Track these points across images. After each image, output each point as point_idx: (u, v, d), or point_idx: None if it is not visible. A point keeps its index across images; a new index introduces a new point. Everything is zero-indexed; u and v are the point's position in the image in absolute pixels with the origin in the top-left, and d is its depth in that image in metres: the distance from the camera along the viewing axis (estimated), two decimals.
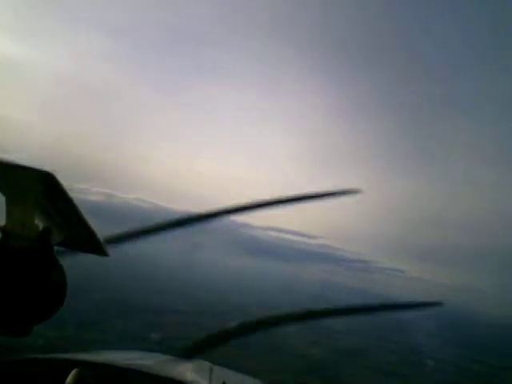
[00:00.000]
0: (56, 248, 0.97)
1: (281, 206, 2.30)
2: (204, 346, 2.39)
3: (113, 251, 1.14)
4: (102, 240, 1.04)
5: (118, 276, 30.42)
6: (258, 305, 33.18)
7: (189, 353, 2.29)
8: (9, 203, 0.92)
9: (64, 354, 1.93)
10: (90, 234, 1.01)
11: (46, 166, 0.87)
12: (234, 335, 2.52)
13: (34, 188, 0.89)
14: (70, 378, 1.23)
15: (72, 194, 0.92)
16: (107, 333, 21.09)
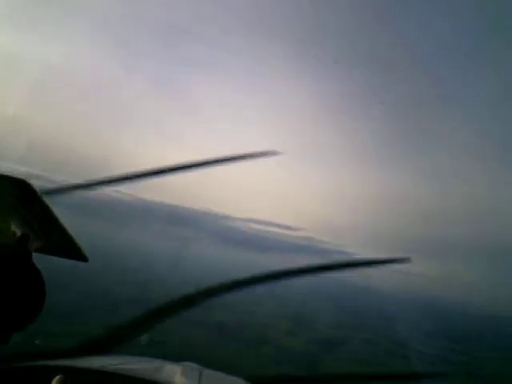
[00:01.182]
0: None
1: (207, 167, 2.22)
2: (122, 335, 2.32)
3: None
4: (79, 245, 1.05)
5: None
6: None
7: (105, 344, 2.23)
8: None
9: (48, 360, 1.90)
10: (68, 239, 1.02)
11: (19, 174, 0.88)
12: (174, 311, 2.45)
13: (10, 195, 0.89)
14: None
15: (47, 200, 0.93)
16: (89, 324, 21.00)
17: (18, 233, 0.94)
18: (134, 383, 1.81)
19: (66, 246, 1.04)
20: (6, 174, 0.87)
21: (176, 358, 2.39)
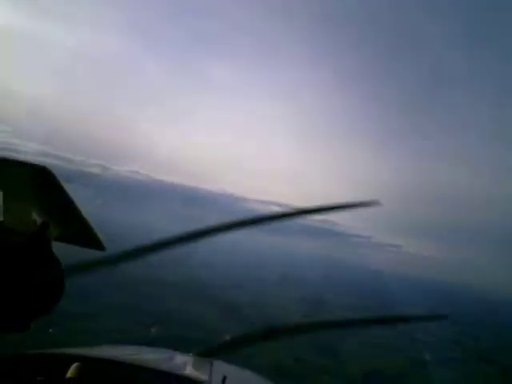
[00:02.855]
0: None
1: (293, 218, 2.26)
2: (226, 348, 2.35)
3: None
4: (98, 234, 1.04)
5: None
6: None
7: (209, 353, 2.26)
8: (5, 199, 0.92)
9: (65, 348, 1.92)
10: (87, 227, 1.02)
11: (41, 162, 0.87)
12: (258, 340, 2.48)
13: (31, 183, 0.89)
14: (70, 373, 1.25)
15: (66, 187, 0.92)
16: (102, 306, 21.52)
17: (38, 221, 0.94)
18: (146, 373, 1.82)
19: (85, 235, 1.04)
20: (27, 161, 0.86)
21: (186, 348, 2.41)
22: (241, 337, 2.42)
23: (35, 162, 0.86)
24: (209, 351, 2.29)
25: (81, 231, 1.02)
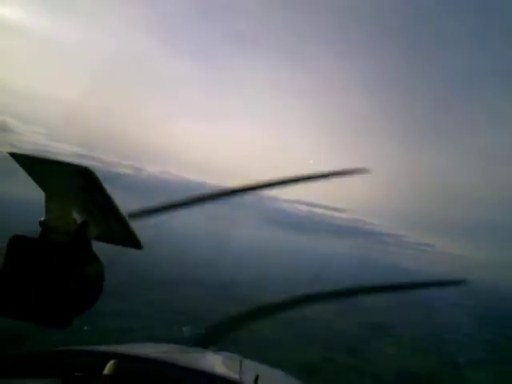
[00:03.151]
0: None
1: (290, 184, 2.26)
2: (218, 333, 2.37)
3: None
4: (136, 233, 1.06)
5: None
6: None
7: (203, 341, 2.28)
8: (48, 198, 0.95)
9: (100, 345, 1.97)
10: (126, 227, 1.04)
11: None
12: (248, 319, 2.49)
13: (73, 183, 0.91)
14: (107, 370, 1.27)
15: (108, 190, 0.94)
16: (135, 303, 21.81)
17: (79, 220, 0.97)
18: (177, 371, 1.83)
19: (124, 234, 1.06)
20: (68, 161, 0.88)
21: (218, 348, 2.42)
22: (232, 318, 2.43)
23: (77, 163, 0.88)
24: (204, 339, 2.31)
25: (120, 231, 1.04)
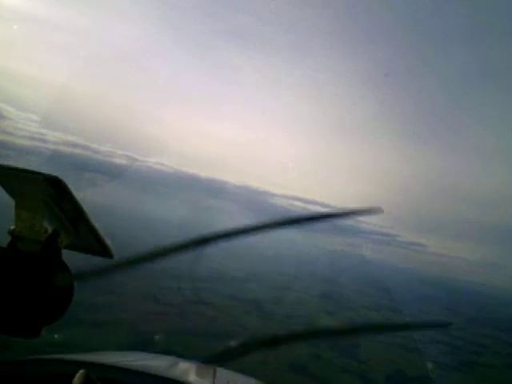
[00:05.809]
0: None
1: (293, 226, 2.22)
2: (230, 355, 2.32)
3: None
4: (107, 242, 1.06)
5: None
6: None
7: (214, 360, 2.24)
8: (18, 207, 0.94)
9: (70, 354, 1.94)
10: (97, 236, 1.03)
11: (53, 172, 0.89)
12: (260, 347, 2.46)
13: (43, 192, 0.91)
14: (76, 379, 1.26)
15: (78, 197, 0.94)
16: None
17: (49, 229, 0.96)
18: (148, 380, 1.80)
19: (94, 243, 1.05)
20: (38, 171, 0.88)
21: (191, 356, 2.40)
22: (243, 344, 2.39)
23: (47, 173, 0.88)
24: (213, 358, 2.27)
25: (90, 240, 1.04)
